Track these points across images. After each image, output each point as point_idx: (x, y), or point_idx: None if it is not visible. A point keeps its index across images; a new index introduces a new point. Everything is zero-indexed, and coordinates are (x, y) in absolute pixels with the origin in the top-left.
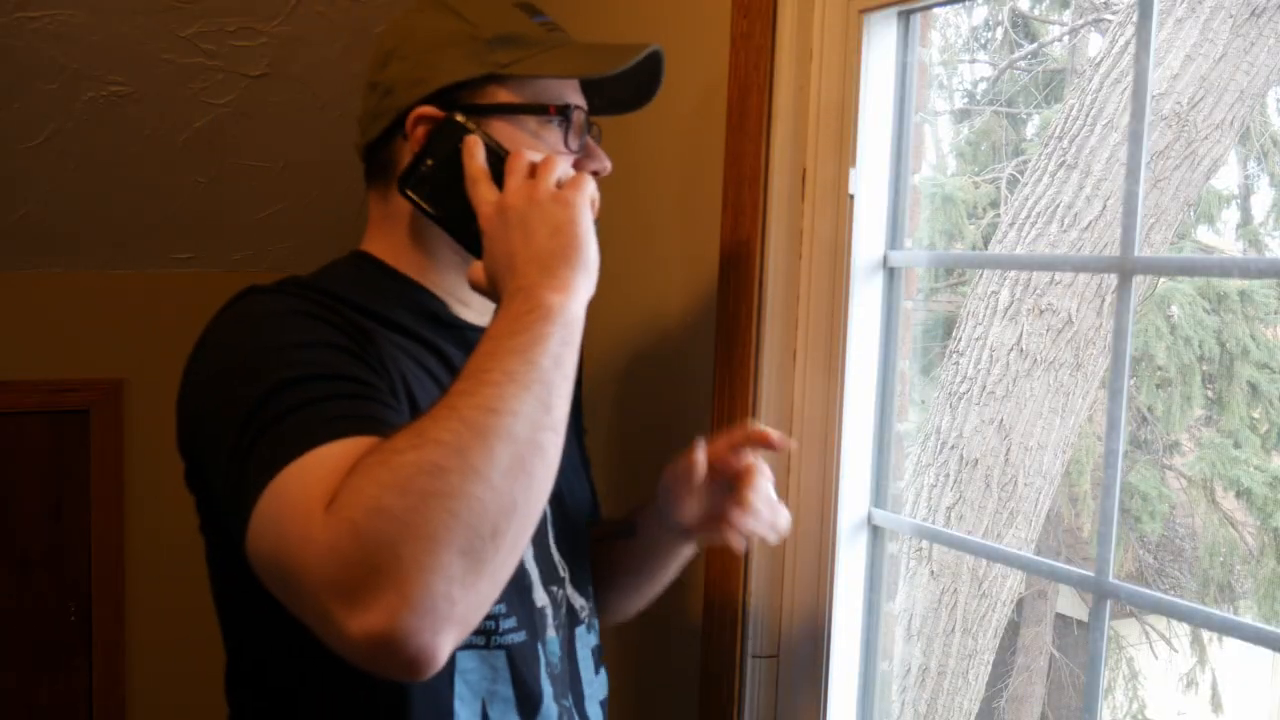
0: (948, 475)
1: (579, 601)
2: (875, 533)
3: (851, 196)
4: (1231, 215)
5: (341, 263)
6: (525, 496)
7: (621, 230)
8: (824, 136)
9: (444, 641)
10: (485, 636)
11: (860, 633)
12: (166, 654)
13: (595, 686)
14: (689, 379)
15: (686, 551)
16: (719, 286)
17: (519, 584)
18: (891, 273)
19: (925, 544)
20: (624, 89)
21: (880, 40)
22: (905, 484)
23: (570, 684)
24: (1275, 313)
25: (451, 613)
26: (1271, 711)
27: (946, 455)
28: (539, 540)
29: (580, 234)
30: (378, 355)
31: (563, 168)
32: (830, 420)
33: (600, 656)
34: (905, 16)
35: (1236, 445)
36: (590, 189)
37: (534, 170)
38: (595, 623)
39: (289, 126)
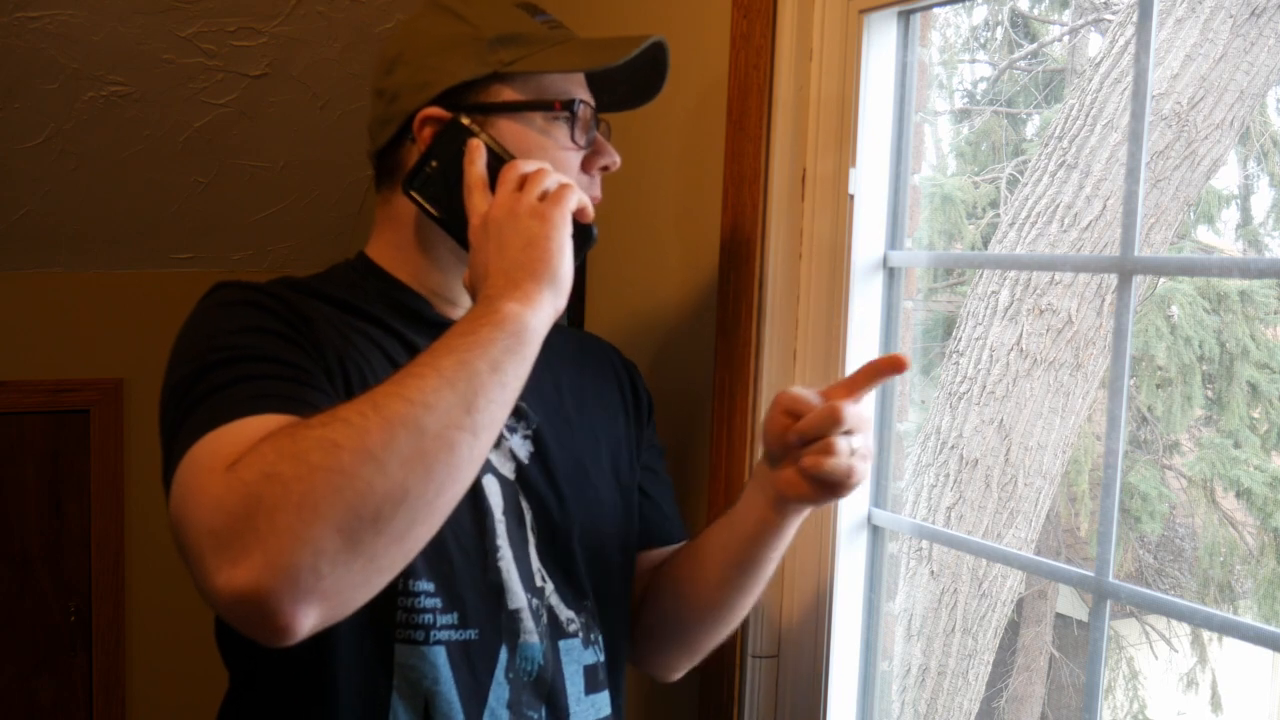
0: (948, 475)
1: (565, 614)
2: (875, 533)
3: (851, 196)
4: (1231, 215)
5: (340, 265)
6: (421, 489)
7: (622, 230)
8: (824, 136)
9: (305, 613)
10: (423, 631)
11: (860, 633)
12: (166, 652)
13: (584, 705)
14: (689, 379)
15: (783, 528)
16: (719, 286)
17: (475, 583)
18: (891, 272)
19: (925, 544)
20: (629, 84)
21: (880, 40)
22: (905, 484)
23: (547, 696)
24: (1275, 313)
25: (317, 586)
26: (1271, 711)
27: (946, 455)
28: (517, 546)
29: (551, 249)
30: (315, 341)
31: (551, 179)
32: None
33: (597, 675)
34: (905, 16)
35: (1236, 445)
36: (572, 202)
37: (523, 182)
38: (596, 639)
39: (289, 126)
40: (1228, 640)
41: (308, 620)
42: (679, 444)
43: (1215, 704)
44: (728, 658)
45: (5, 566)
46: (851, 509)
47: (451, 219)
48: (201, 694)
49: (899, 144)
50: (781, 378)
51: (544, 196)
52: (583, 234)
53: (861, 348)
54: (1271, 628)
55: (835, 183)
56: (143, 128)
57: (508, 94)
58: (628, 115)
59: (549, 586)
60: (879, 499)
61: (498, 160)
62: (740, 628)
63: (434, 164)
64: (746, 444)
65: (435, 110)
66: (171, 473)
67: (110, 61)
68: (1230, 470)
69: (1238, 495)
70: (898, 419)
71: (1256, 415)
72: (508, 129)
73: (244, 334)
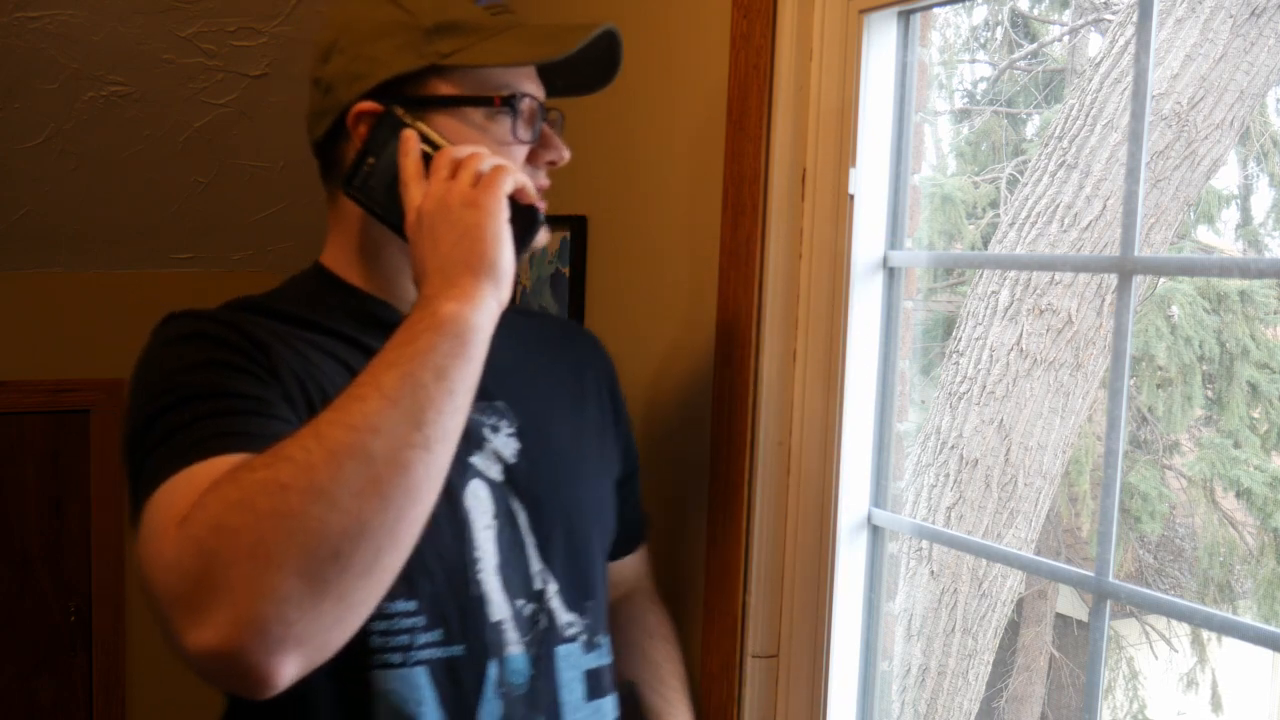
0: (948, 475)
1: (566, 618)
2: (875, 533)
3: (851, 196)
4: (1231, 215)
5: (297, 277)
6: (380, 519)
7: (621, 230)
8: (824, 136)
9: (281, 662)
10: (400, 653)
11: (860, 633)
12: (166, 652)
13: (584, 711)
14: (689, 379)
15: None
16: (719, 286)
17: (457, 597)
18: (891, 273)
19: (925, 544)
20: (584, 70)
21: (880, 40)
22: (905, 484)
23: (545, 706)
24: (1275, 313)
25: (288, 634)
26: (1271, 711)
27: (946, 455)
28: (510, 550)
29: (486, 238)
30: (271, 366)
31: (486, 163)
32: (830, 420)
33: (601, 680)
34: (905, 16)
35: (1236, 445)
36: (507, 184)
37: (456, 169)
38: (600, 642)
39: (289, 126)
40: (1228, 640)
41: (287, 669)
42: (678, 444)
43: (1215, 704)
44: (728, 658)
45: (5, 566)
46: (851, 509)
47: (395, 217)
48: (201, 695)
49: (899, 144)
50: (781, 378)
51: (478, 181)
52: (525, 217)
53: (861, 348)
54: (1271, 628)
55: (835, 183)
56: (143, 128)
57: (444, 88)
58: (626, 115)
59: (551, 588)
60: (879, 499)
61: (435, 149)
62: (740, 628)
63: (371, 160)
64: (746, 444)
65: (369, 105)
66: (135, 526)
67: (110, 61)
68: (1230, 470)
69: (1238, 495)
70: (898, 419)
71: (1256, 415)
72: (445, 124)
73: (195, 370)
